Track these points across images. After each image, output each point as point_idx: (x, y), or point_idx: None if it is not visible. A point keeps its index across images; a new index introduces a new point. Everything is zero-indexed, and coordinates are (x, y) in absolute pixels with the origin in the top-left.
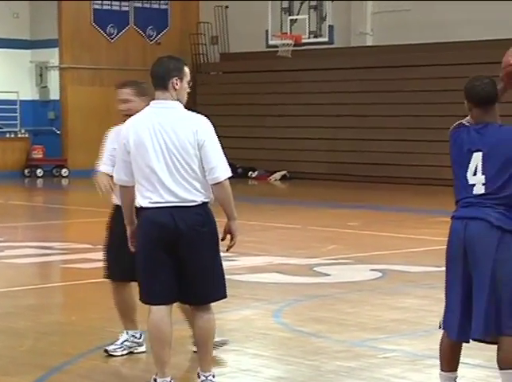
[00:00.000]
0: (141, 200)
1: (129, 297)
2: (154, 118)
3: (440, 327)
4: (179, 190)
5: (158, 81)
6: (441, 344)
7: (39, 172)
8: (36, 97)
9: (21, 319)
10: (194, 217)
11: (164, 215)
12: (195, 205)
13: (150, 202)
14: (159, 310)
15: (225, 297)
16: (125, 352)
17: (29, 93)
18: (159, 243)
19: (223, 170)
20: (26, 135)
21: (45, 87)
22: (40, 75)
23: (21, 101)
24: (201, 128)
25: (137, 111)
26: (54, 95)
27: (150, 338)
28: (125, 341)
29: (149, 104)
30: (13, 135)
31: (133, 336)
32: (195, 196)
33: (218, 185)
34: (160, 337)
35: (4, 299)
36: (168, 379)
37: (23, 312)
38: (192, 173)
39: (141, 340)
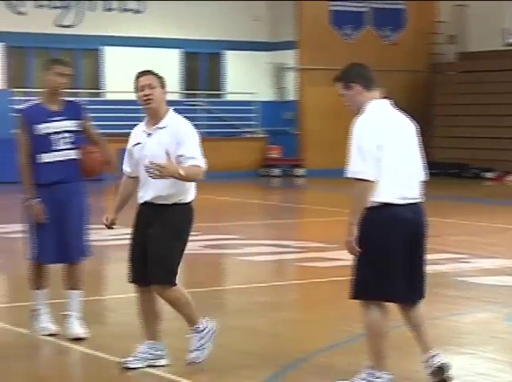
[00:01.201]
0: (387, 197)
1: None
2: (393, 117)
3: None
4: (415, 187)
5: (377, 84)
6: None
7: (275, 171)
8: (274, 98)
9: (257, 316)
10: (424, 214)
11: (410, 211)
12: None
13: (399, 198)
14: (383, 307)
15: None
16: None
17: (267, 94)
18: (405, 241)
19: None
20: (263, 135)
21: (283, 88)
22: (278, 76)
23: (259, 102)
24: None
25: (158, 101)
26: (291, 95)
27: (371, 334)
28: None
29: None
30: (250, 135)
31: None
32: (419, 193)
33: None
34: (382, 333)
35: (241, 296)
36: (387, 373)
37: (259, 309)
38: (420, 170)
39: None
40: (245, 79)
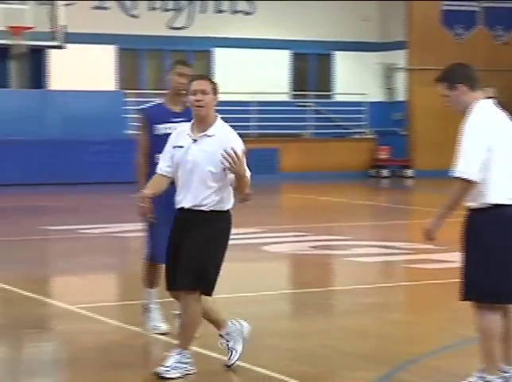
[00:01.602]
0: (497, 198)
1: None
2: (500, 117)
3: None
4: None
5: (480, 84)
6: None
7: (384, 172)
8: (383, 99)
9: (365, 316)
10: None
11: None
12: None
13: (508, 199)
14: (496, 308)
15: None
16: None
17: (376, 95)
18: None
19: None
20: (372, 136)
21: (392, 88)
22: (387, 76)
23: (368, 103)
24: None
25: (208, 108)
26: (400, 96)
27: (484, 336)
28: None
29: None
30: (359, 136)
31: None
32: None
33: None
34: (495, 335)
35: (349, 296)
36: (499, 376)
37: (366, 310)
38: None
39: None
40: (354, 79)
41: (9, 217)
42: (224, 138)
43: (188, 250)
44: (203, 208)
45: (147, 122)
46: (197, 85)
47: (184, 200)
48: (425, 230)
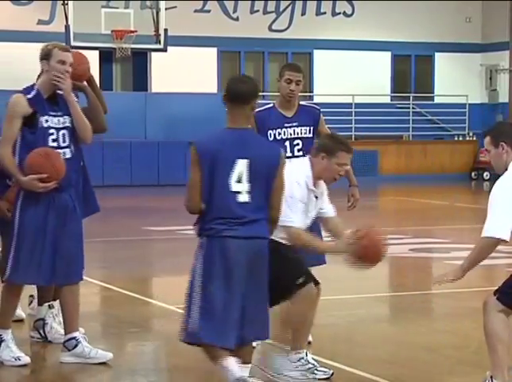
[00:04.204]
0: None
1: None
2: None
3: None
4: None
5: None
6: None
7: (486, 175)
8: (485, 100)
9: (466, 320)
10: None
11: None
12: None
13: None
14: None
15: None
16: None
17: (478, 96)
18: None
19: None
20: (474, 138)
21: (494, 90)
22: (490, 78)
23: (469, 104)
24: None
25: None
26: (503, 98)
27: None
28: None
29: None
30: (461, 138)
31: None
32: None
33: None
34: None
35: (449, 300)
36: None
37: (468, 313)
38: None
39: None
40: (455, 81)
41: (111, 218)
42: None
43: None
44: None
45: (260, 127)
46: None
47: None
48: (453, 275)
